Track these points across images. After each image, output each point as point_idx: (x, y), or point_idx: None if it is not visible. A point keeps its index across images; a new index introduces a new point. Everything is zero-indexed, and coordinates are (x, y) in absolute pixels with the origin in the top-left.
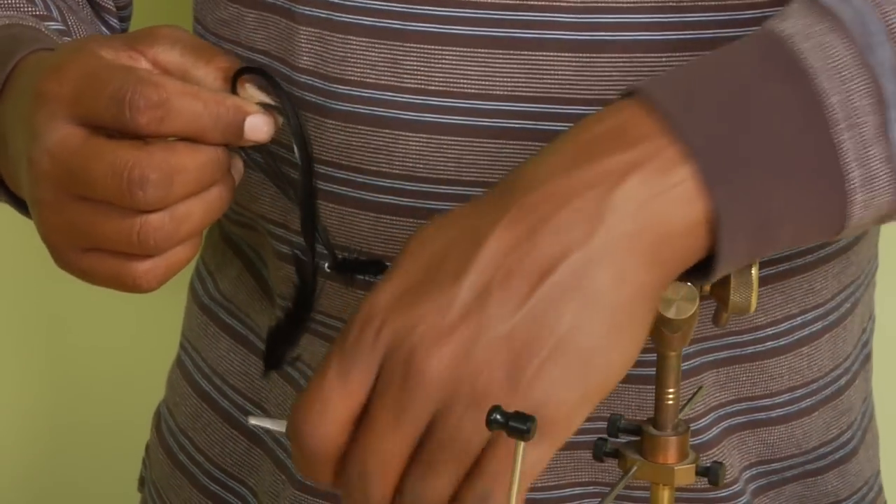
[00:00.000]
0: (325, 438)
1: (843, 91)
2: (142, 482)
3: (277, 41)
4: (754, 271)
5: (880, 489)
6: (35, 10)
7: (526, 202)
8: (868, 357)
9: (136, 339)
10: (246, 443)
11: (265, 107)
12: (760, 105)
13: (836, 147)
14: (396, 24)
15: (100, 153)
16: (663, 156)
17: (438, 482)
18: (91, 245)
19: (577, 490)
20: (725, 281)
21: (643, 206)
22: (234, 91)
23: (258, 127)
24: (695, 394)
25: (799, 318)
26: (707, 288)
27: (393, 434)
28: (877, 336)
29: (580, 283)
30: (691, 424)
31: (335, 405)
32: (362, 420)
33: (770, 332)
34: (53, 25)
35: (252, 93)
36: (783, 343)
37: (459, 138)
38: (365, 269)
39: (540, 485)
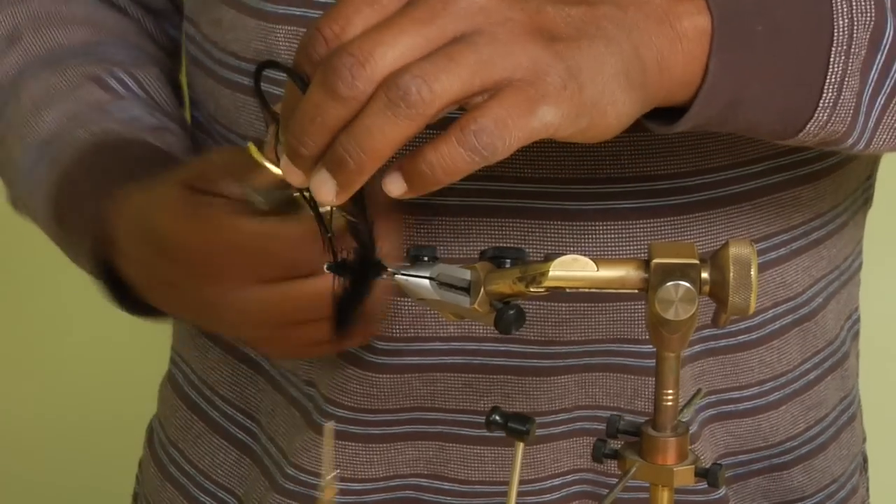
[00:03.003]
0: (338, 26)
1: (850, 17)
2: (135, 498)
3: (245, 42)
4: (753, 272)
5: (853, 489)
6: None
7: None
8: (846, 356)
9: (127, 352)
10: (236, 453)
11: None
12: (783, 2)
13: (827, 65)
14: None
15: None
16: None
17: (447, 79)
18: None
19: (557, 481)
20: (725, 282)
21: (668, 18)
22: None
23: None
24: (694, 395)
25: (770, 312)
26: (706, 289)
27: (417, 30)
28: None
29: (620, 23)
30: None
31: (363, 11)
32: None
33: (743, 326)
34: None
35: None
36: (754, 336)
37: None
38: (363, 270)
39: (520, 478)
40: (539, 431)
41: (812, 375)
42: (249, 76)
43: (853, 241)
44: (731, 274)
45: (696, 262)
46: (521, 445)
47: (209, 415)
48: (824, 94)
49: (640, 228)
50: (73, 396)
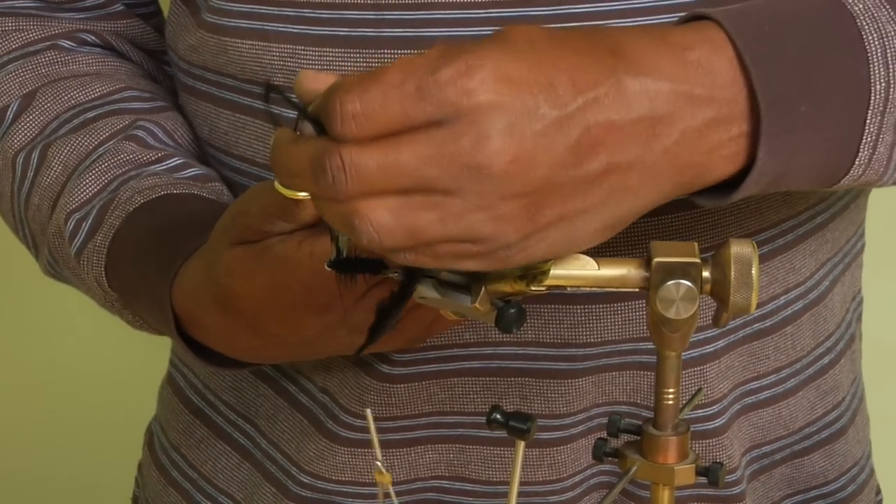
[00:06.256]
0: (362, 117)
1: (887, 80)
2: (135, 501)
3: (239, 64)
4: (754, 271)
5: (871, 471)
6: (152, 155)
7: (627, 85)
8: (853, 338)
9: (127, 351)
10: (237, 458)
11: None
12: (821, 73)
13: (863, 126)
14: (370, 31)
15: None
16: (734, 107)
17: (423, 218)
18: None
19: (578, 478)
20: (726, 281)
21: (697, 135)
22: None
23: None
24: (694, 394)
25: (782, 298)
26: (707, 288)
27: (417, 170)
28: (868, 322)
29: (620, 184)
30: (710, 423)
31: (389, 109)
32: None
33: (756, 315)
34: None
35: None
36: (768, 324)
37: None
38: (365, 267)
39: (540, 479)
40: (558, 433)
41: (826, 359)
42: (249, 96)
43: (854, 223)
44: (733, 273)
45: (698, 260)
46: (521, 444)
47: (213, 420)
48: (860, 154)
49: (650, 226)
50: (74, 395)
